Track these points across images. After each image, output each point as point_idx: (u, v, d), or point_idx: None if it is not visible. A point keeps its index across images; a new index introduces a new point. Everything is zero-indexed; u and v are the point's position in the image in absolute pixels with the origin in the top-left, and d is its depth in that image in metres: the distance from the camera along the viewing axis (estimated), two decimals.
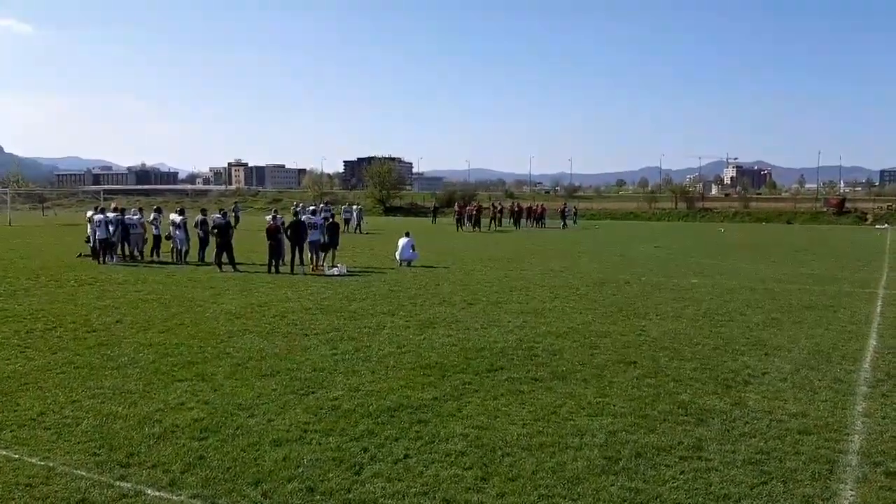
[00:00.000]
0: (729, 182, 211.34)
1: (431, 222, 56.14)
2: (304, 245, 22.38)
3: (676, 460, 6.76)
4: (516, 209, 53.97)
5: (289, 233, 22.14)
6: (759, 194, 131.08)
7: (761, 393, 8.99)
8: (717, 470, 6.54)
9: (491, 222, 49.52)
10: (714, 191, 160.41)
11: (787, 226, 61.75)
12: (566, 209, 57.33)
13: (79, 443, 7.12)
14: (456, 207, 52.42)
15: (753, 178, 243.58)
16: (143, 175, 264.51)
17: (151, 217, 26.12)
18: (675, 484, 6.22)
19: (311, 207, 29.37)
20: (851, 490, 6.18)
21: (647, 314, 14.57)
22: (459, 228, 46.36)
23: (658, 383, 9.38)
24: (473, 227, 46.64)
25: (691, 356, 10.91)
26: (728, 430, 7.59)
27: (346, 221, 43.80)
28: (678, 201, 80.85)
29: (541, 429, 7.59)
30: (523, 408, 8.30)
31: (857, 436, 7.49)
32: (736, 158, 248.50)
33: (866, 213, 67.28)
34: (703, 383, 9.40)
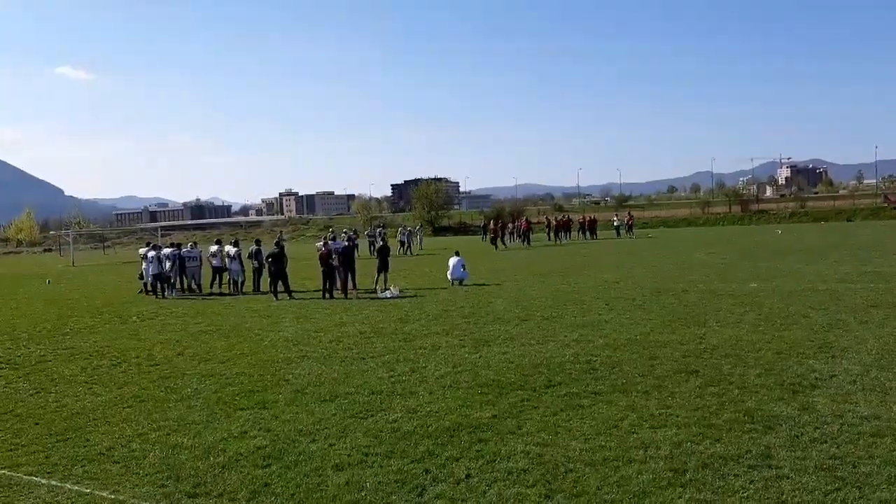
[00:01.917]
0: (783, 182, 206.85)
1: (482, 240, 56.06)
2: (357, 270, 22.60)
3: (745, 469, 6.58)
4: (555, 222, 51.91)
5: (340, 258, 22.38)
6: (816, 193, 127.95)
7: (830, 396, 8.72)
8: (788, 477, 6.35)
9: (520, 238, 47.78)
10: (769, 192, 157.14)
11: (847, 224, 60.08)
12: (631, 220, 55.85)
13: (147, 475, 7.26)
14: (491, 225, 49.36)
15: (809, 176, 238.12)
16: (198, 210, 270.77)
17: (213, 250, 26.51)
18: (746, 494, 6.06)
19: (330, 234, 29.67)
20: None
21: (706, 322, 14.29)
22: (496, 247, 44.15)
23: (721, 391, 9.17)
24: (523, 243, 46.28)
25: (754, 362, 10.65)
26: (797, 437, 7.37)
27: (402, 244, 43.68)
28: (732, 205, 79.43)
29: (603, 443, 7.47)
30: (584, 422, 8.19)
31: None
32: (789, 158, 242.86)
33: None
34: (768, 389, 9.16)
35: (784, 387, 9.23)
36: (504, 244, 44.82)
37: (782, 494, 6.01)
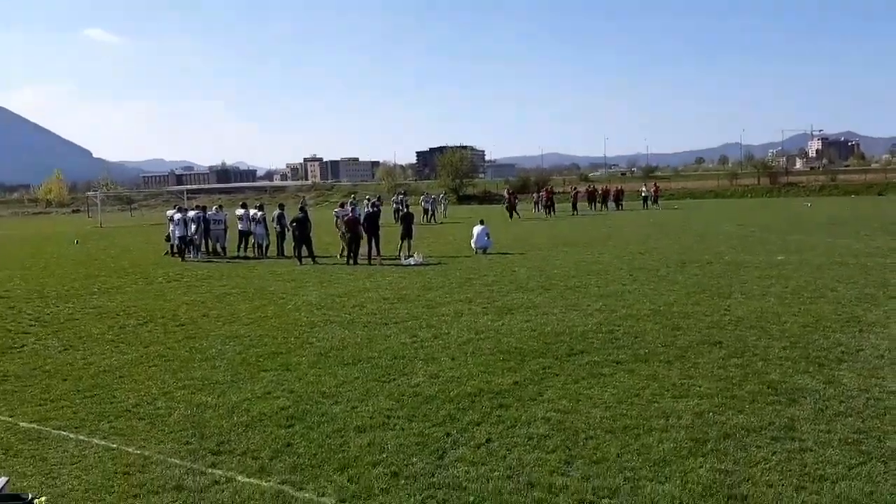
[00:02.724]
0: (814, 155, 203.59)
1: (505, 209, 55.77)
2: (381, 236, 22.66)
3: (768, 441, 6.55)
4: (574, 192, 51.67)
5: (365, 225, 22.43)
6: (847, 166, 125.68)
7: (856, 371, 8.62)
8: (811, 450, 6.30)
9: (545, 208, 47.24)
10: (798, 165, 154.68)
11: (879, 198, 59.02)
12: (657, 191, 56.03)
13: (172, 432, 7.38)
14: (506, 194, 48.68)
15: (840, 149, 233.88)
16: (223, 174, 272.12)
17: (240, 213, 26.55)
18: (768, 465, 6.03)
19: (352, 200, 29.47)
20: None
21: (731, 293, 14.16)
22: (512, 216, 43.18)
23: (745, 363, 9.10)
24: (547, 213, 45.98)
25: (780, 335, 10.55)
26: (822, 410, 7.31)
27: (426, 211, 43.63)
28: (761, 177, 78.24)
29: (624, 411, 7.46)
30: (605, 391, 8.18)
31: None
32: (821, 130, 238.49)
33: None
34: (793, 362, 9.08)
35: (809, 360, 9.14)
36: (518, 214, 43.90)
37: (805, 467, 5.97)
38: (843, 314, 11.83)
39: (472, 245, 23.94)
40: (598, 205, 52.49)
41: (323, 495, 5.81)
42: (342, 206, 26.42)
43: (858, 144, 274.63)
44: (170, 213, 27.08)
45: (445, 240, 29.68)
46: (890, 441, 6.44)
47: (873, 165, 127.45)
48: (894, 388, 7.87)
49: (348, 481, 6.03)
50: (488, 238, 23.87)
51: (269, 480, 6.12)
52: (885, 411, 7.20)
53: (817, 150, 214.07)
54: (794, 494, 5.50)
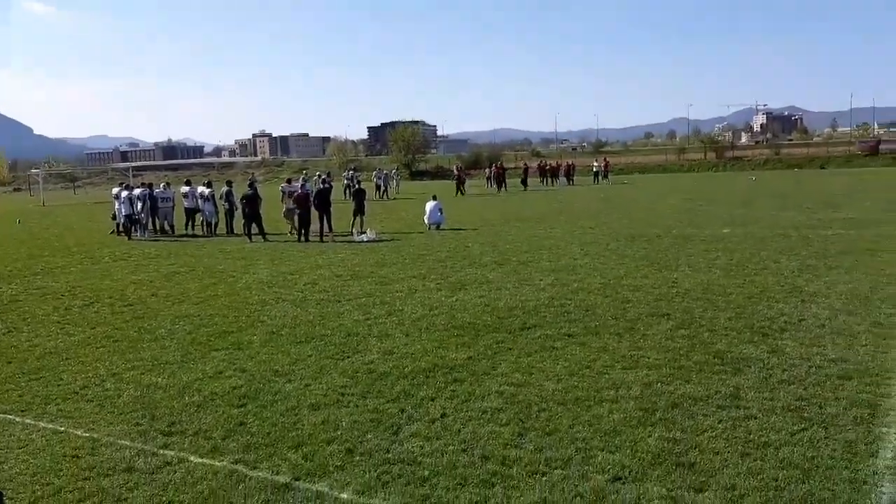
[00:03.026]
0: (759, 129, 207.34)
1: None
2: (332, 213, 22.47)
3: (714, 409, 6.72)
4: (523, 168, 52.00)
5: (316, 202, 22.22)
6: (791, 140, 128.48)
7: (798, 340, 8.88)
8: (755, 418, 6.49)
9: (492, 182, 47.46)
10: (744, 139, 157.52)
11: (821, 171, 60.60)
12: (607, 166, 57.09)
13: (121, 413, 7.27)
14: (455, 171, 48.05)
15: (784, 124, 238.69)
16: (170, 150, 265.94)
17: (185, 191, 26.10)
18: (714, 433, 6.19)
19: (303, 176, 29.22)
20: (895, 433, 6.10)
21: (678, 266, 14.43)
22: (458, 193, 42.33)
23: (692, 334, 9.31)
24: (499, 189, 46.10)
25: (725, 306, 10.80)
26: (766, 378, 7.52)
27: (378, 188, 43.30)
28: (707, 152, 79.61)
29: (576, 383, 7.58)
30: (557, 364, 8.29)
31: None
32: (766, 105, 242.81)
33: None
34: (738, 332, 9.31)
35: (754, 330, 9.38)
36: (463, 191, 43.50)
37: (750, 434, 6.15)
38: (786, 285, 12.16)
39: (425, 221, 23.93)
40: (550, 180, 52.83)
41: (277, 474, 5.79)
42: (289, 181, 26.13)
43: (801, 119, 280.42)
44: (115, 190, 26.47)
45: (398, 216, 29.59)
46: (830, 407, 6.66)
47: (815, 139, 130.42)
48: (834, 357, 8.13)
49: (303, 459, 6.02)
50: (441, 214, 23.89)
51: (223, 460, 6.08)
52: (825, 379, 7.44)
53: (762, 125, 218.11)
54: (740, 461, 5.66)
